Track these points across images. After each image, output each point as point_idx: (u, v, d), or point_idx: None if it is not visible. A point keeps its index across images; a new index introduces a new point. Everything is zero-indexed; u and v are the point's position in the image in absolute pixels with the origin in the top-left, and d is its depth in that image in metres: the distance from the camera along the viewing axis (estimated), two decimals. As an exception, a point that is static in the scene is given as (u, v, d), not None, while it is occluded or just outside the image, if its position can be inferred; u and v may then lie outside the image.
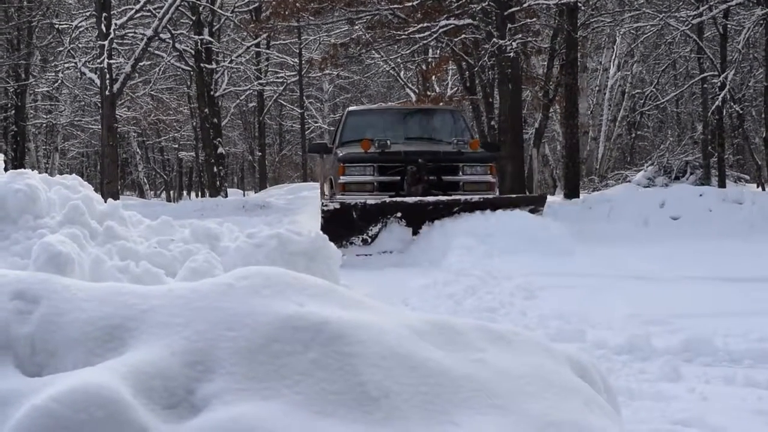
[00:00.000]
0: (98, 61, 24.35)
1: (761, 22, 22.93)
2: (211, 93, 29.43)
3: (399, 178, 13.24)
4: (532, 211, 12.68)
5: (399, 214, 12.24)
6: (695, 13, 24.87)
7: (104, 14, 23.94)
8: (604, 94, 32.11)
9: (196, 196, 41.29)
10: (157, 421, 2.40)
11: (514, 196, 14.86)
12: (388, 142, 13.42)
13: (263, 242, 3.99)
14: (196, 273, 3.84)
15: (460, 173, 13.47)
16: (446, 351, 2.80)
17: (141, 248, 4.26)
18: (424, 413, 2.52)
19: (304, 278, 3.03)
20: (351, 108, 16.64)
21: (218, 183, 29.11)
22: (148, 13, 26.27)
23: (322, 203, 12.39)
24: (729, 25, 26.67)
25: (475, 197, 12.52)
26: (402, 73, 33.46)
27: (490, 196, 12.95)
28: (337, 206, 11.89)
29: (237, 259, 4.02)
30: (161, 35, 26.05)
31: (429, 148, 13.99)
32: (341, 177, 13.22)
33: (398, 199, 12.50)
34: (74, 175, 5.06)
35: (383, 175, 13.28)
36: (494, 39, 19.36)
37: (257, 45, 33.90)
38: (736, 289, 8.65)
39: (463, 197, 12.61)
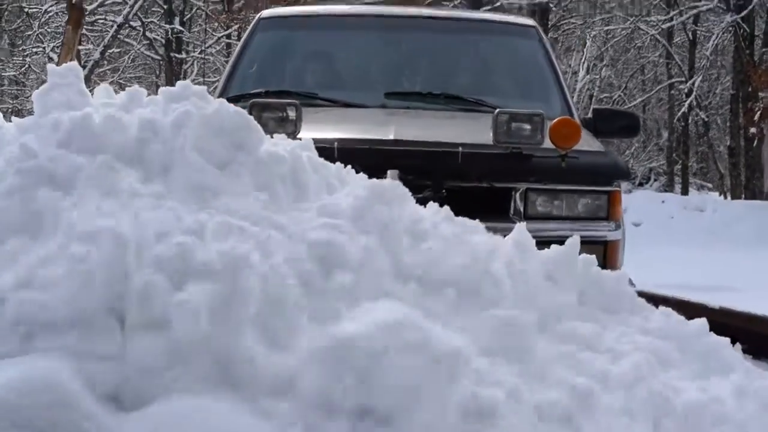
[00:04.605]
0: (67, 46, 24.19)
1: (730, 29, 23.17)
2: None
3: None
4: None
5: None
6: (666, 17, 25.10)
7: (74, -1, 23.78)
8: (573, 97, 32.27)
9: (162, 185, 41.12)
10: (103, 410, 2.40)
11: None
12: (289, 113, 4.53)
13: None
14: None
15: (518, 206, 4.77)
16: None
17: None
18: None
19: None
20: (267, 12, 7.01)
21: (184, 173, 29.04)
22: (120, 0, 26.13)
23: None
24: (698, 31, 26.94)
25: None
26: (372, 69, 33.46)
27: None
28: None
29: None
30: (132, 23, 25.96)
31: (426, 131, 5.09)
32: None
33: None
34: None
35: None
36: (465, 39, 19.42)
37: (228, 36, 33.77)
38: (693, 297, 8.71)
39: None
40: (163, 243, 2.58)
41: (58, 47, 27.12)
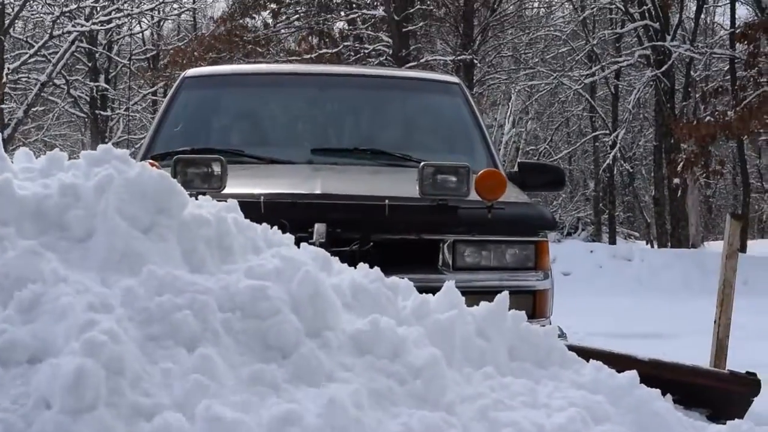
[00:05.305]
0: (-11, 105, 23.88)
1: (651, 83, 23.64)
2: (106, 140, 29.06)
3: None
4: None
5: None
6: (588, 72, 25.55)
7: (-3, 58, 23.50)
8: (499, 149, 32.59)
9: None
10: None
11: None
12: (214, 168, 4.42)
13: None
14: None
15: (446, 257, 4.67)
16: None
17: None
18: None
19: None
20: (191, 71, 6.81)
21: (111, 232, 28.69)
22: (43, 59, 25.89)
23: None
24: (620, 86, 27.44)
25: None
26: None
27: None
28: None
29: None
30: (56, 81, 25.70)
31: (353, 184, 5.15)
32: None
33: None
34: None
35: None
36: (391, 93, 19.53)
37: (154, 93, 33.62)
38: (622, 346, 8.78)
39: None
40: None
41: (-20, 106, 26.74)
